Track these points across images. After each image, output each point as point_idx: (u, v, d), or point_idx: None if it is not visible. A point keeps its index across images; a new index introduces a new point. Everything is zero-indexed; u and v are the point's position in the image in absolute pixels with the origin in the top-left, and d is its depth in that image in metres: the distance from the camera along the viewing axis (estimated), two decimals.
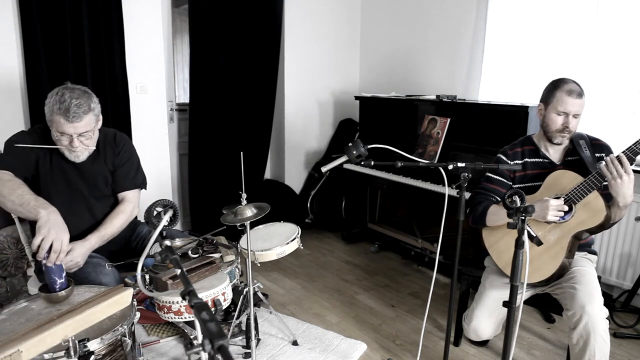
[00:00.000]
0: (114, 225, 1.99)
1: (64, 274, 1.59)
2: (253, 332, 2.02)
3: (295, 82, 3.98)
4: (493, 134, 2.82)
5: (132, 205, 2.10)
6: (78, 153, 1.88)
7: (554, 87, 1.90)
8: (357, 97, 3.76)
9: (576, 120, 1.89)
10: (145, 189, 2.20)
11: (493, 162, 2.09)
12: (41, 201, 1.76)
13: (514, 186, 2.00)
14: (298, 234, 2.25)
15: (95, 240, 1.90)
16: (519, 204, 1.46)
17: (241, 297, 2.24)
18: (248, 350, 2.15)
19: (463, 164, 1.72)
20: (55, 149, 1.90)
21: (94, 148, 1.95)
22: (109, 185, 2.06)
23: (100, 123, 1.97)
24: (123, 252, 2.13)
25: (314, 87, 4.11)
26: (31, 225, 2.07)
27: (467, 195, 1.78)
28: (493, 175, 2.06)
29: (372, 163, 1.69)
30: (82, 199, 2.00)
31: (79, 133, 1.82)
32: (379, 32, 4.15)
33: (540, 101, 1.96)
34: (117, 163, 2.07)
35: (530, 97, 2.94)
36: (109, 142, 2.07)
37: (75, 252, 1.78)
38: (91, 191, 2.01)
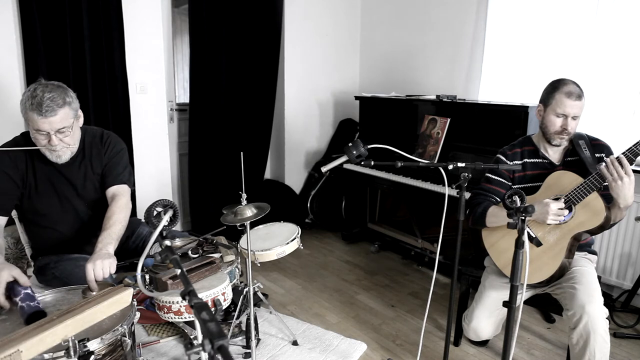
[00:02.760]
0: (119, 221, 1.89)
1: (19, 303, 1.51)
2: (253, 332, 2.02)
3: (295, 82, 3.98)
4: (493, 134, 2.82)
5: (126, 199, 2.00)
6: (59, 152, 1.81)
7: (553, 88, 1.89)
8: (357, 97, 3.76)
9: (575, 122, 1.88)
10: (131, 187, 2.12)
11: (492, 162, 2.09)
12: None
13: (513, 187, 1.99)
14: (298, 234, 2.25)
15: (110, 245, 1.77)
16: (519, 204, 1.46)
17: (241, 297, 2.24)
18: (248, 350, 2.15)
19: (463, 164, 1.72)
20: (39, 156, 1.84)
21: (76, 147, 1.89)
22: (97, 190, 2.02)
23: (81, 121, 1.91)
24: (121, 253, 2.13)
25: (314, 87, 4.11)
26: (26, 228, 2.09)
27: (467, 195, 1.78)
28: (492, 176, 2.06)
29: (372, 163, 1.69)
30: (71, 207, 1.97)
31: (56, 129, 1.74)
32: (379, 32, 4.15)
33: (540, 102, 1.96)
34: (105, 162, 2.03)
35: (530, 97, 2.94)
36: (96, 144, 2.02)
37: (89, 264, 1.65)
38: (81, 198, 1.99)
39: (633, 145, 1.73)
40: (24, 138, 1.92)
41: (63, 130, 1.78)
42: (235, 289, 2.07)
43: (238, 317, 2.26)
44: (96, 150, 2.01)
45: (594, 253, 2.03)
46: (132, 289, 1.58)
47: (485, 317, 1.99)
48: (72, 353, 1.26)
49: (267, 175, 4.17)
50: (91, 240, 1.91)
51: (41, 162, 1.89)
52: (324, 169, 1.83)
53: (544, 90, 1.94)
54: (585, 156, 1.89)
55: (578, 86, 1.87)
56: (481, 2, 3.29)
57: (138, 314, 1.54)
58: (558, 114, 1.87)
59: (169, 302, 1.67)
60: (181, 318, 1.70)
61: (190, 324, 2.09)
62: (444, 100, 3.10)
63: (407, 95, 3.54)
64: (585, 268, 1.88)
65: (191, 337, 2.05)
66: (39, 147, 1.80)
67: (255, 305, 2.30)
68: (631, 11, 2.56)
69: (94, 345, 1.33)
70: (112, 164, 2.03)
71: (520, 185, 2.00)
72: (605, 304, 1.73)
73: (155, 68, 3.18)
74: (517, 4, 3.07)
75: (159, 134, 3.29)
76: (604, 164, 1.74)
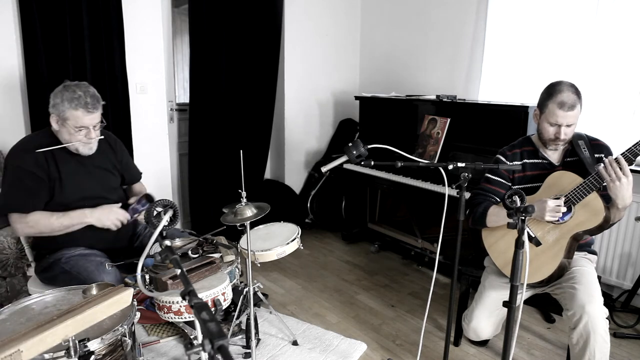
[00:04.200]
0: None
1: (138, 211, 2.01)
2: (253, 332, 2.03)
3: (295, 82, 3.98)
4: (493, 134, 2.82)
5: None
6: (92, 145, 1.98)
7: (548, 95, 1.86)
8: (357, 97, 3.76)
9: (570, 129, 1.87)
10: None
11: (492, 163, 2.08)
12: (73, 217, 1.92)
13: (513, 187, 1.99)
14: (298, 234, 2.25)
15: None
16: (519, 204, 1.46)
17: (241, 297, 2.24)
18: (248, 350, 2.15)
19: (463, 164, 1.72)
20: (58, 150, 1.92)
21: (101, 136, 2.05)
22: (112, 180, 2.16)
23: None
24: (128, 250, 2.14)
25: (314, 87, 4.11)
26: None
27: (467, 195, 1.78)
28: (492, 176, 2.06)
29: (372, 163, 1.69)
30: (92, 196, 2.04)
31: (94, 123, 1.93)
32: (379, 32, 4.15)
33: (537, 106, 1.95)
34: (120, 159, 2.20)
35: (530, 97, 2.94)
36: (104, 139, 2.11)
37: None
38: (102, 187, 2.08)
39: (632, 146, 1.73)
40: (40, 139, 1.97)
41: (97, 124, 1.96)
42: (235, 289, 2.07)
43: (238, 317, 2.26)
44: (106, 145, 2.14)
45: (594, 253, 2.03)
46: (132, 289, 1.58)
47: (485, 317, 2.00)
48: (72, 353, 1.26)
49: (267, 175, 4.17)
50: (104, 236, 2.02)
51: (62, 155, 1.97)
52: (324, 169, 1.84)
53: (541, 94, 1.92)
54: (585, 156, 1.89)
55: (574, 91, 1.82)
56: (481, 2, 3.29)
57: (138, 314, 1.54)
58: (551, 123, 1.87)
59: (169, 302, 1.67)
60: (181, 318, 1.70)
61: (190, 324, 2.09)
62: (444, 100, 3.10)
63: (407, 95, 3.54)
64: (585, 268, 1.88)
65: (191, 337, 2.05)
66: (72, 144, 1.92)
67: (255, 305, 2.30)
68: (631, 11, 2.56)
69: (94, 345, 1.33)
70: (128, 164, 2.27)
71: (520, 186, 2.00)
72: (605, 304, 1.73)
73: (155, 68, 3.18)
74: (517, 4, 3.07)
75: (159, 134, 3.29)
76: (602, 164, 1.74)
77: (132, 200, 2.08)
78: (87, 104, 1.86)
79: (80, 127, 1.89)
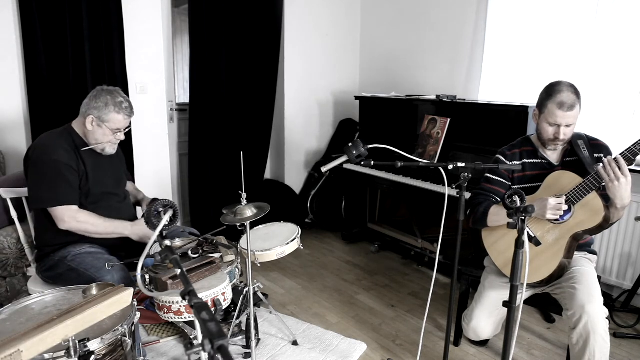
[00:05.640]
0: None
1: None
2: (253, 332, 2.03)
3: (295, 82, 3.98)
4: (493, 134, 2.82)
5: None
6: (116, 146, 2.11)
7: (547, 95, 1.86)
8: (357, 97, 3.76)
9: (569, 129, 1.87)
10: None
11: (492, 163, 2.08)
12: (117, 226, 2.03)
13: (513, 187, 1.99)
14: (298, 234, 2.25)
15: None
16: (518, 204, 1.46)
17: (241, 297, 2.24)
18: (248, 350, 2.15)
19: (463, 164, 1.72)
20: (85, 153, 2.03)
21: None
22: (123, 180, 2.28)
23: None
24: (130, 249, 2.15)
25: (314, 87, 4.11)
26: (35, 227, 2.13)
27: (467, 195, 1.78)
28: (492, 176, 2.06)
29: (372, 163, 1.69)
30: (108, 193, 2.11)
31: (126, 127, 2.07)
32: (379, 32, 4.15)
33: (536, 106, 1.95)
34: (122, 162, 2.31)
35: (530, 97, 2.94)
36: None
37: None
38: (117, 185, 2.18)
39: (632, 146, 1.73)
40: (66, 136, 2.03)
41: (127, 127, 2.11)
42: (235, 289, 2.07)
43: (238, 317, 2.26)
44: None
45: (593, 253, 2.03)
46: (132, 288, 1.58)
47: (485, 317, 2.00)
48: (72, 353, 1.26)
49: (267, 175, 4.17)
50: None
51: (86, 153, 2.05)
52: (324, 169, 1.84)
53: (540, 94, 1.92)
54: (584, 156, 1.89)
55: (574, 92, 1.82)
56: (481, 2, 3.29)
57: (138, 314, 1.54)
58: (550, 123, 1.87)
59: (169, 302, 1.67)
60: (181, 318, 1.70)
61: (190, 324, 2.09)
62: (444, 100, 3.10)
63: (407, 95, 3.54)
64: (585, 268, 1.88)
65: (191, 337, 2.06)
66: (103, 143, 2.04)
67: (255, 305, 2.30)
68: (631, 11, 2.56)
69: (94, 345, 1.33)
70: (124, 166, 2.36)
71: (520, 186, 2.00)
72: (605, 304, 1.73)
73: (155, 68, 3.18)
74: (517, 4, 3.07)
75: (159, 134, 3.30)
76: (601, 164, 1.74)
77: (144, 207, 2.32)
78: (128, 109, 2.04)
79: (116, 129, 2.03)
